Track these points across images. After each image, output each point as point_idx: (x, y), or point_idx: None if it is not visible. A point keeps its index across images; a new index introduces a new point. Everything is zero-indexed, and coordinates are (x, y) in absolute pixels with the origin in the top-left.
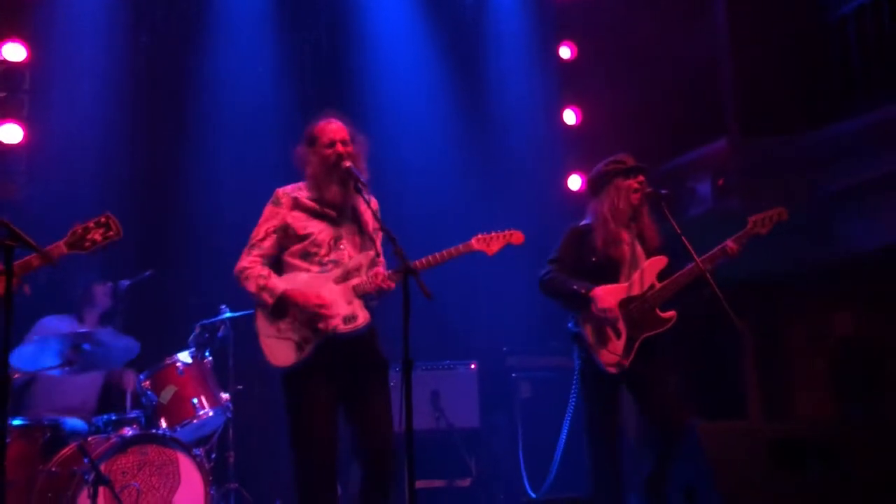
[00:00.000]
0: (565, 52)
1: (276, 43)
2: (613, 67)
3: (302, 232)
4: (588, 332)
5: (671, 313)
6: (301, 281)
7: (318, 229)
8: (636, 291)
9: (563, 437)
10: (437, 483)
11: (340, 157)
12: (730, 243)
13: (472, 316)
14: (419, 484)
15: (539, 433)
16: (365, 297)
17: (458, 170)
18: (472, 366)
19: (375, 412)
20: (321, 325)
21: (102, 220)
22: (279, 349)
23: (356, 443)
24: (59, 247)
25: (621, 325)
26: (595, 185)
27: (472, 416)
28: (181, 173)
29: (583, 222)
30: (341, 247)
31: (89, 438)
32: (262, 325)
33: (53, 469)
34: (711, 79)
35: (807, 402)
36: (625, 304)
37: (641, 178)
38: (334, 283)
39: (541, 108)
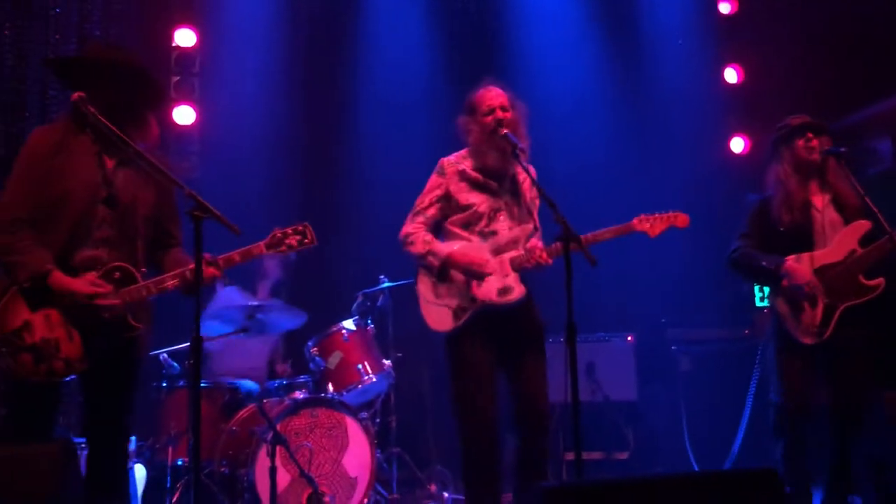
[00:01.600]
0: (725, 7)
1: (427, 13)
2: (777, 21)
3: (464, 202)
4: (780, 303)
5: (877, 281)
6: (462, 246)
7: (479, 200)
8: (835, 258)
9: (748, 410)
10: (595, 455)
11: (499, 122)
12: None
13: (628, 287)
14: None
15: (701, 407)
16: (521, 270)
17: (614, 133)
18: (629, 338)
19: (530, 383)
20: (476, 291)
21: (300, 228)
22: (437, 314)
23: (512, 412)
24: (259, 247)
25: (818, 295)
26: (770, 155)
27: (629, 389)
28: (340, 148)
29: (765, 194)
30: (500, 218)
31: (264, 401)
32: (424, 290)
33: (234, 428)
34: (886, 29)
35: None
36: (822, 271)
37: (809, 135)
38: (491, 254)
39: (700, 66)
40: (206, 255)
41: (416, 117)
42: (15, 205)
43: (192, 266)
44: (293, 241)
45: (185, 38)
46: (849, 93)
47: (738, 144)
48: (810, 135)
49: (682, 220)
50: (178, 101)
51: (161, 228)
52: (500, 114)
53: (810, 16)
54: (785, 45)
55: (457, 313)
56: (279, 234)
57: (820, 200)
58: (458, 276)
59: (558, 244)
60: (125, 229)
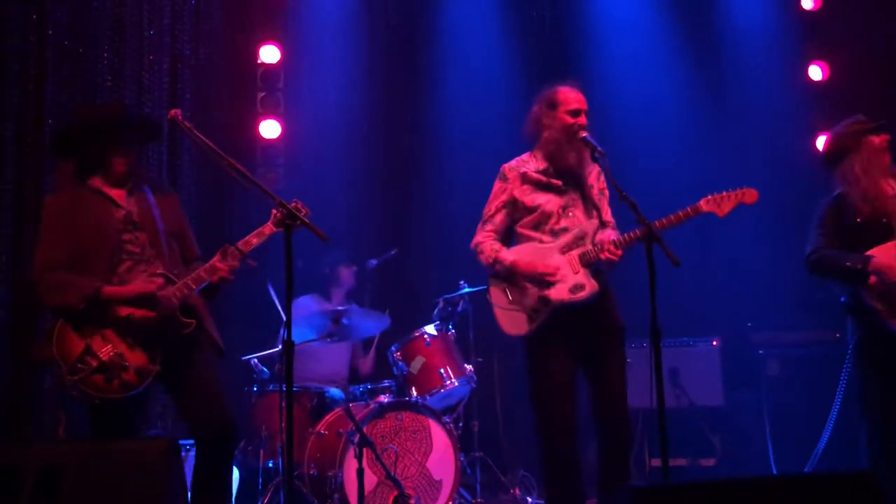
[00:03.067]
0: (807, 3)
1: (503, 21)
2: (862, 15)
3: (530, 204)
4: (874, 300)
5: None
6: (528, 251)
7: (546, 200)
8: None
9: (835, 412)
10: (679, 461)
11: (582, 127)
12: None
13: (712, 290)
14: (659, 461)
15: (790, 412)
16: (591, 265)
17: (694, 133)
18: (714, 342)
19: (610, 380)
20: (547, 292)
21: (293, 205)
22: (512, 319)
23: (593, 410)
24: (268, 227)
25: None
26: (839, 149)
27: (714, 394)
28: (420, 157)
29: (836, 191)
30: (570, 214)
31: (350, 405)
32: (496, 296)
33: (322, 431)
34: None
35: None
36: None
37: (887, 136)
38: (560, 252)
39: (783, 63)
40: (226, 245)
41: (495, 123)
42: (48, 255)
43: (217, 256)
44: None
45: (269, 54)
46: None
47: (823, 143)
48: (886, 136)
49: (750, 195)
50: (264, 116)
51: (182, 244)
52: (583, 119)
53: None
54: (871, 40)
55: (531, 316)
56: (279, 216)
57: (891, 188)
58: (525, 282)
59: (630, 234)
60: (153, 245)
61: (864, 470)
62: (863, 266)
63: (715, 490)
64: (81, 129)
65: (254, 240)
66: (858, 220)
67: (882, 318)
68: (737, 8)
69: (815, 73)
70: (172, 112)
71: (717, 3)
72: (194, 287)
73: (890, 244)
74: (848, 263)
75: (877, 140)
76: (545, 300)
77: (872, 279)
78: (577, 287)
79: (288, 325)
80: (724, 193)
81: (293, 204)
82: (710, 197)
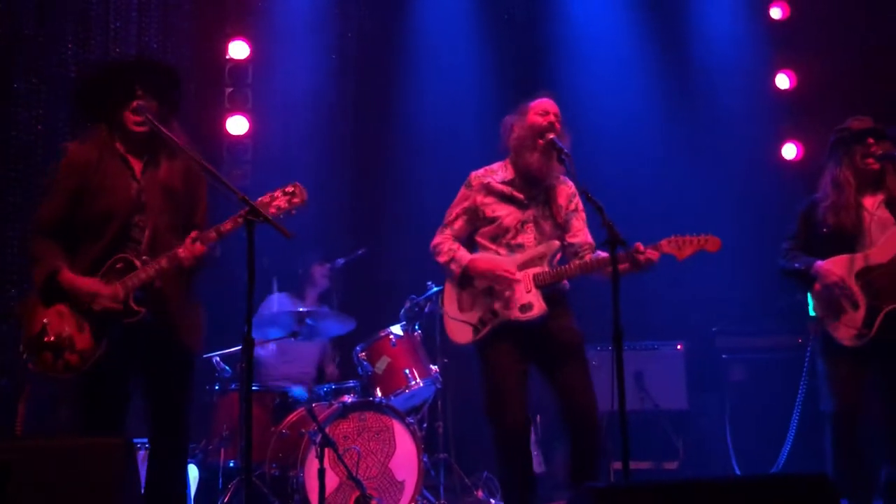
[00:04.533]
0: (776, 13)
1: (474, 23)
2: (829, 25)
3: (490, 215)
4: (819, 306)
5: None
6: (487, 257)
7: (506, 213)
8: (880, 259)
9: (795, 419)
10: (643, 465)
11: (551, 126)
12: None
13: (678, 295)
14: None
15: (753, 417)
16: (545, 287)
17: (664, 141)
18: (679, 346)
19: (568, 385)
20: (497, 306)
21: (289, 189)
22: (458, 328)
23: (561, 418)
24: (242, 214)
25: (858, 297)
26: (827, 156)
27: (678, 398)
28: (390, 156)
29: (815, 195)
30: (527, 230)
31: (313, 405)
32: (447, 304)
33: (284, 431)
34: None
35: None
36: (863, 273)
37: (870, 140)
38: (517, 268)
39: (751, 72)
40: (193, 233)
41: (466, 123)
42: (47, 213)
43: (183, 244)
44: (282, 202)
45: (238, 50)
46: None
47: (790, 151)
48: (871, 141)
49: (712, 243)
50: (232, 112)
51: (188, 215)
52: (552, 118)
53: (863, 19)
54: (838, 49)
55: (476, 328)
56: (266, 199)
57: (872, 202)
58: (479, 288)
59: (596, 256)
60: (160, 226)
61: (821, 472)
62: (806, 268)
63: (674, 491)
64: (91, 80)
65: (227, 226)
66: (824, 230)
67: (825, 324)
68: (706, 16)
69: (783, 81)
70: (136, 104)
71: (687, 11)
72: (153, 274)
73: (845, 256)
74: (797, 265)
75: (860, 153)
76: (494, 313)
77: (816, 284)
78: (526, 306)
79: (248, 322)
80: (687, 237)
81: (289, 188)
82: (672, 238)
